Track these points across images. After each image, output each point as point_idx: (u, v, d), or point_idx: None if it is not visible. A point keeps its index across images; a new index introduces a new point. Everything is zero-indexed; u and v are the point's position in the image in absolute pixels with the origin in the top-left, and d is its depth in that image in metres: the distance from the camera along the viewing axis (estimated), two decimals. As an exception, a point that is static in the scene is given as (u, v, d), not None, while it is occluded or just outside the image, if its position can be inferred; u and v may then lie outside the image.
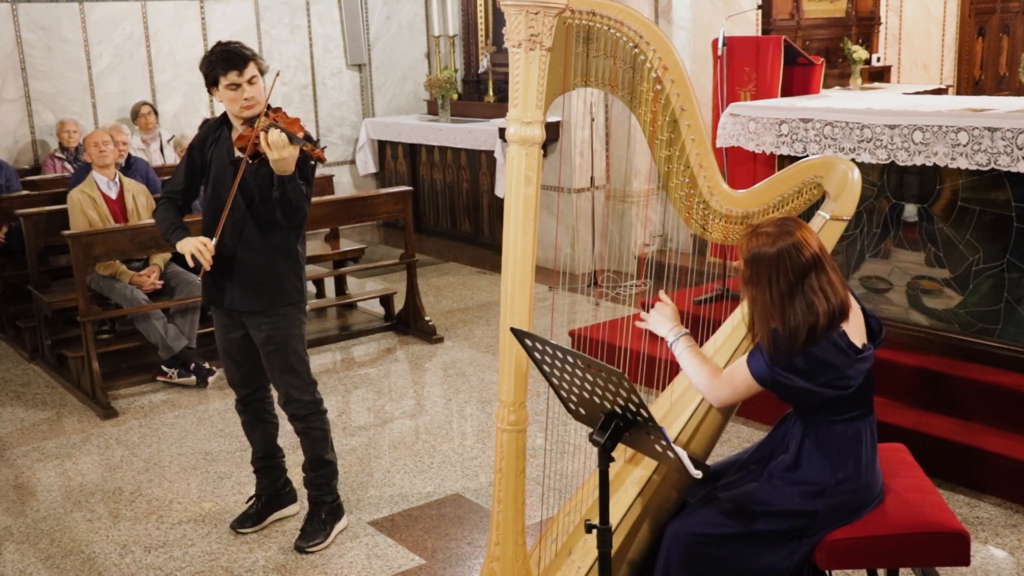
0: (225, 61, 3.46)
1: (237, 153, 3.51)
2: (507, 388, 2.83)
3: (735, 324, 2.99)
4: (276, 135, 3.32)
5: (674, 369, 3.14)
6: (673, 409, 2.92)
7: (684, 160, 2.87)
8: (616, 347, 5.18)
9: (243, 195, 3.52)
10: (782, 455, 2.71)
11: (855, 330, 2.59)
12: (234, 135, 3.55)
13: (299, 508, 4.00)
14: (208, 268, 3.48)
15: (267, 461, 3.94)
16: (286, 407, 3.72)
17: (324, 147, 3.64)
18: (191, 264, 3.52)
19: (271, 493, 3.97)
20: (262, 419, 3.88)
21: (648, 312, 2.94)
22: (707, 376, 2.73)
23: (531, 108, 2.71)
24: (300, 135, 3.43)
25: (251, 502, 3.98)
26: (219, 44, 3.54)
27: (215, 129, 3.64)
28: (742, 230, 2.95)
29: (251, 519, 3.93)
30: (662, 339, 2.90)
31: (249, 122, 3.50)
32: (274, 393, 3.85)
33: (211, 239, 3.48)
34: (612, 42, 2.76)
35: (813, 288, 2.52)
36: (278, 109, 3.53)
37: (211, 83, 3.52)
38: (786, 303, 2.51)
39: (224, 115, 3.63)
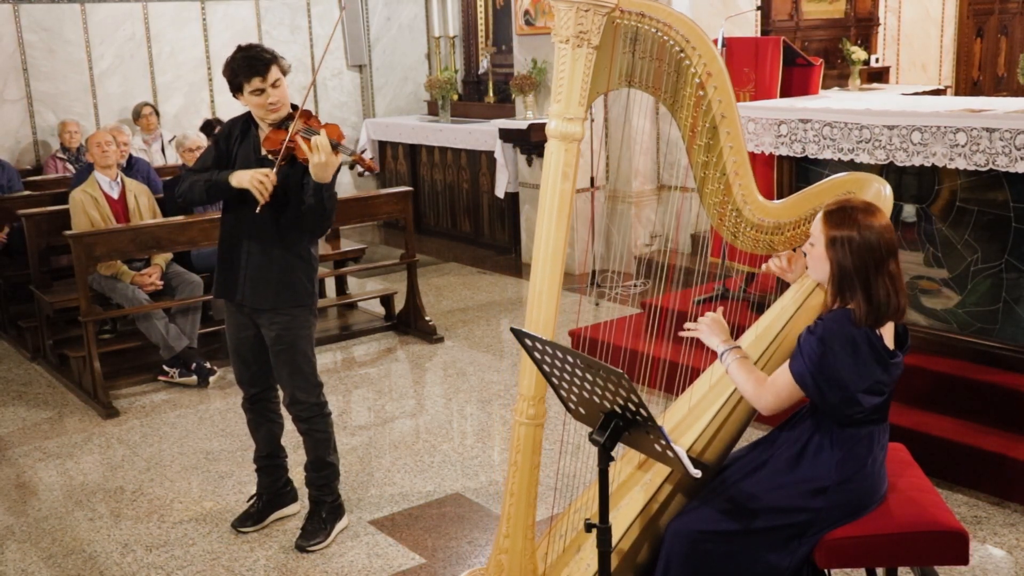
0: (248, 68, 3.44)
1: (265, 153, 3.49)
2: (527, 382, 2.85)
3: (759, 333, 3.00)
4: (320, 140, 3.32)
5: (675, 368, 3.15)
6: (691, 414, 2.91)
7: (721, 167, 2.88)
8: (616, 347, 5.19)
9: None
10: (784, 448, 2.72)
11: (887, 336, 2.62)
12: (261, 135, 3.55)
13: (300, 507, 4.01)
14: (265, 201, 3.41)
15: (270, 461, 3.95)
16: (291, 407, 3.73)
17: (373, 157, 3.63)
18: (259, 197, 3.40)
19: (272, 492, 3.98)
20: (268, 419, 3.89)
21: (698, 321, 2.91)
22: (753, 384, 2.74)
23: (574, 105, 2.73)
24: (343, 142, 3.41)
25: (252, 501, 4.00)
26: (240, 49, 3.52)
27: (241, 124, 3.63)
28: (772, 240, 2.97)
29: (252, 518, 3.94)
30: (661, 340, 2.91)
31: (276, 125, 3.49)
32: (280, 393, 3.86)
33: (271, 170, 3.44)
34: (659, 45, 2.77)
35: (894, 271, 2.59)
36: (307, 112, 3.51)
37: (235, 89, 3.51)
38: (876, 277, 2.55)
39: (249, 114, 3.61)
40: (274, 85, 3.48)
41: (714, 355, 2.97)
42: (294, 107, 3.58)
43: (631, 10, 2.72)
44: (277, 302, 3.60)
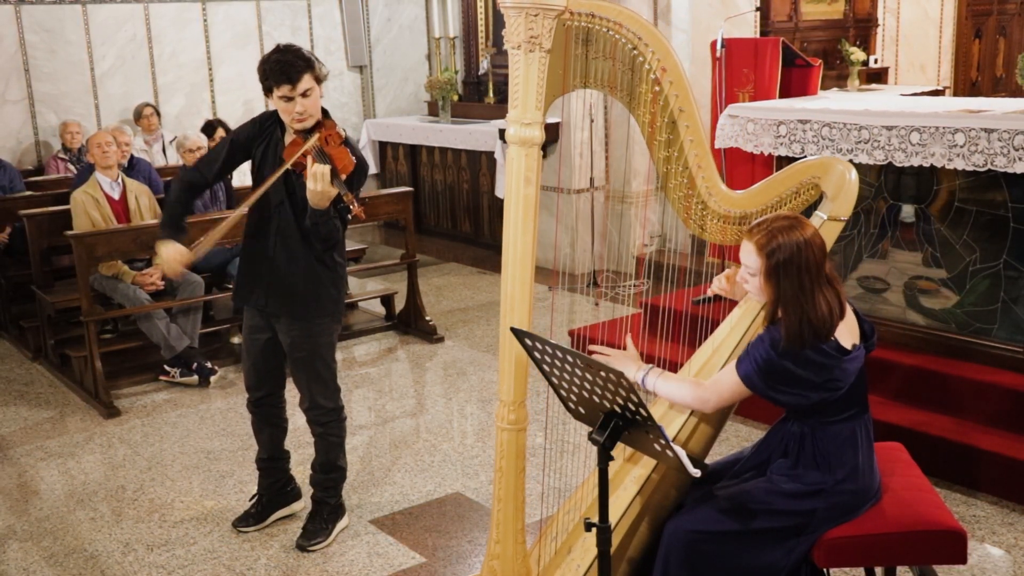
0: (278, 73, 3.32)
1: (285, 161, 3.41)
2: (507, 387, 2.85)
3: (733, 324, 3.01)
4: (320, 169, 3.24)
5: (674, 370, 3.16)
6: (672, 408, 2.94)
7: (683, 161, 2.89)
8: (616, 347, 5.19)
9: (291, 204, 3.48)
10: (780, 458, 2.73)
11: (846, 330, 2.61)
12: (287, 139, 3.48)
13: (303, 505, 4.02)
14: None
15: (271, 463, 3.95)
16: (308, 412, 3.72)
17: (366, 200, 3.44)
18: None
19: (273, 492, 3.98)
20: (271, 423, 3.88)
21: (604, 356, 2.92)
22: (690, 388, 2.76)
23: (531, 109, 2.73)
24: (344, 175, 3.31)
25: (253, 500, 4.01)
26: (277, 51, 3.39)
27: (268, 126, 3.54)
28: (740, 230, 2.97)
29: (253, 518, 3.94)
30: (660, 339, 2.92)
31: (302, 132, 3.42)
32: (289, 397, 3.85)
33: (190, 249, 3.46)
34: (611, 44, 2.78)
35: (829, 279, 2.58)
36: (331, 126, 3.42)
37: (265, 91, 3.40)
38: (815, 292, 2.54)
39: (277, 113, 3.52)
40: (304, 95, 3.35)
41: (691, 350, 2.98)
42: (326, 113, 3.50)
43: (580, 11, 2.72)
44: (301, 313, 3.57)
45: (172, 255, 3.49)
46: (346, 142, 3.45)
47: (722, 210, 2.95)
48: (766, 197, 2.97)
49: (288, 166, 3.39)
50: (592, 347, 2.95)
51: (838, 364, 2.57)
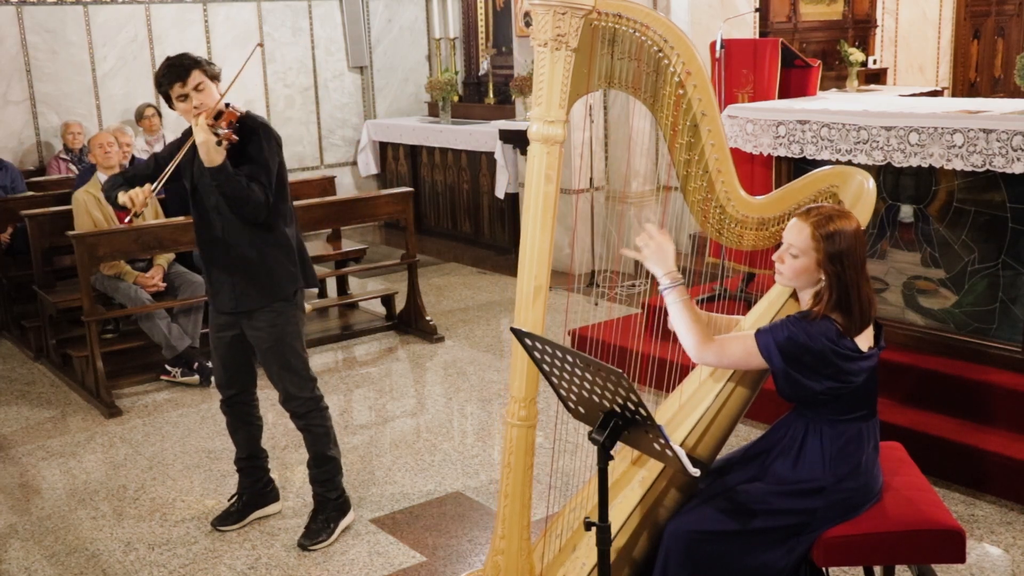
0: (167, 75, 3.50)
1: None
2: (518, 384, 2.87)
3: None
4: (200, 120, 3.36)
5: (677, 371, 3.17)
6: (681, 411, 2.93)
7: (703, 165, 2.89)
8: (615, 346, 5.22)
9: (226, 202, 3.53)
10: (782, 454, 2.73)
11: (863, 334, 2.63)
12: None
13: (281, 507, 4.05)
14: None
15: (250, 462, 3.98)
16: (286, 405, 3.75)
17: (237, 118, 3.43)
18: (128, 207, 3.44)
19: (253, 492, 4.00)
20: (246, 421, 3.91)
21: (645, 242, 2.83)
22: (697, 336, 2.71)
23: (554, 107, 2.74)
24: (225, 125, 3.40)
25: (232, 500, 4.03)
26: (165, 59, 3.57)
27: (179, 140, 3.68)
28: (758, 236, 2.97)
29: (232, 517, 3.97)
30: (664, 339, 2.92)
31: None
32: (264, 394, 3.86)
33: (152, 183, 3.50)
34: (637, 45, 2.78)
35: (867, 274, 2.62)
36: (227, 105, 3.51)
37: (168, 101, 3.55)
38: (862, 283, 2.58)
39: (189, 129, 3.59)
40: (196, 89, 3.49)
41: None
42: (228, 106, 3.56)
43: (608, 11, 2.73)
44: (262, 300, 3.61)
45: (134, 191, 3.46)
46: (246, 116, 3.56)
47: (740, 215, 2.95)
48: (785, 204, 2.96)
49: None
50: (649, 227, 2.83)
51: (853, 361, 2.59)
